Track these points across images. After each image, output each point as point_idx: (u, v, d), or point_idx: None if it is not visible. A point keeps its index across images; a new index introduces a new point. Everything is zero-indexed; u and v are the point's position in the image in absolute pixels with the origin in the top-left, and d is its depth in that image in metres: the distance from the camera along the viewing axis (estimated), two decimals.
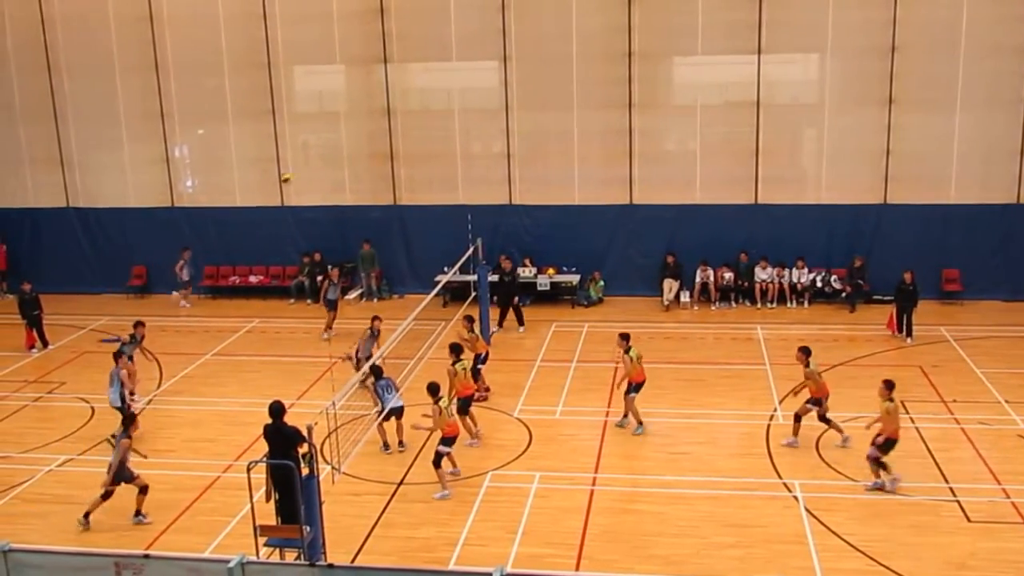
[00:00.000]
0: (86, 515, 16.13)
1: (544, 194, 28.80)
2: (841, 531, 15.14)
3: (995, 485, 16.57)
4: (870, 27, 26.36)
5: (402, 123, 29.12)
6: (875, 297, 26.82)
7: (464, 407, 18.89)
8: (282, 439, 14.28)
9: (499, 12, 27.73)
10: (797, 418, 18.32)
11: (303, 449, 13.94)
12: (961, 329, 24.89)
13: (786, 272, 27.50)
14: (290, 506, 13.64)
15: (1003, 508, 15.81)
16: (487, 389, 21.19)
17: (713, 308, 27.65)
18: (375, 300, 29.20)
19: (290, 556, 13.54)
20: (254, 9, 28.74)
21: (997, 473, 16.97)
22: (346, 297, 29.53)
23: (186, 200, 30.75)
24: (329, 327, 25.90)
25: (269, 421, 14.52)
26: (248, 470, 13.60)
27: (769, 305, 27.49)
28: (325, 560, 13.27)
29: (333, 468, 17.12)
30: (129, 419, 16.86)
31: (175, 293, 29.77)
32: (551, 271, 28.50)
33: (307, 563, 12.31)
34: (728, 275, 27.75)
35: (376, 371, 18.46)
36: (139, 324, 21.98)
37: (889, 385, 16.49)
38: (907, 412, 19.52)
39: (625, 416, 19.50)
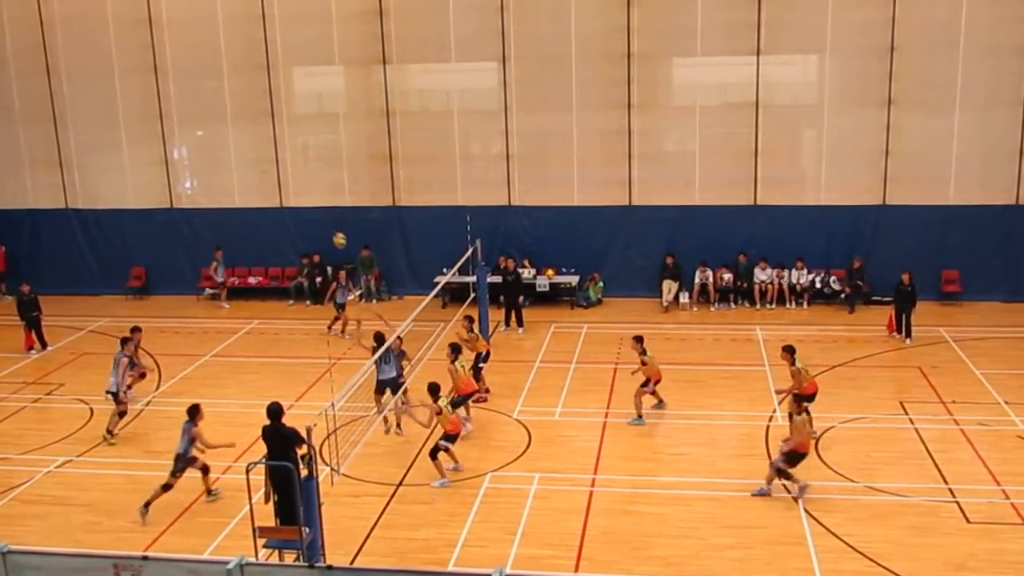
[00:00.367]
0: (146, 504, 16.31)
1: (543, 195, 28.81)
2: (840, 532, 15.13)
3: (994, 486, 16.56)
4: (869, 28, 26.37)
5: (401, 124, 29.12)
6: (874, 298, 26.82)
7: (460, 403, 19.17)
8: (281, 440, 14.28)
9: (498, 13, 27.74)
10: (791, 418, 18.25)
11: (302, 450, 13.93)
12: (960, 330, 24.89)
13: (785, 273, 27.50)
14: (289, 507, 13.63)
15: (1002, 509, 15.80)
16: (487, 390, 21.19)
17: (712, 309, 27.65)
18: (374, 301, 29.19)
19: (289, 557, 13.52)
20: (253, 11, 28.74)
21: (996, 474, 16.96)
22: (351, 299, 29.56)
23: (185, 201, 30.75)
24: (333, 326, 25.94)
25: (268, 423, 14.51)
26: (247, 471, 13.58)
27: (768, 306, 27.49)
28: (324, 561, 13.26)
29: (332, 469, 17.10)
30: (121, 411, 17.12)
31: (208, 293, 29.79)
32: (550, 272, 28.50)
33: (306, 564, 12.30)
34: (727, 276, 27.76)
35: (378, 338, 18.72)
36: (135, 329, 21.77)
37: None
38: (906, 413, 19.57)
39: (661, 403, 20.21)
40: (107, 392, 19.92)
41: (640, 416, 19.56)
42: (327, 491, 16.18)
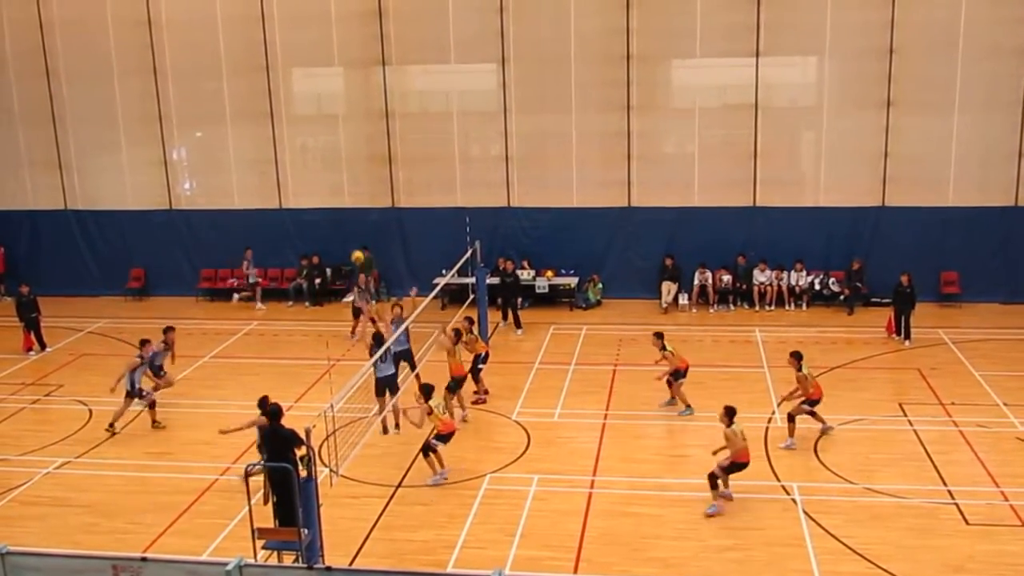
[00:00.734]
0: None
1: (542, 196, 28.81)
2: (839, 534, 15.12)
3: (993, 488, 16.56)
4: (868, 29, 26.38)
5: (400, 125, 29.12)
6: (873, 300, 26.82)
7: (454, 388, 19.82)
8: (280, 442, 14.27)
9: (497, 14, 27.74)
10: (791, 418, 18.37)
11: (301, 451, 13.93)
12: (959, 332, 24.89)
13: (784, 275, 27.50)
14: (288, 509, 13.62)
15: (1001, 511, 15.79)
16: (486, 391, 21.20)
17: (711, 310, 27.65)
18: (373, 302, 29.14)
19: (288, 559, 13.51)
20: (252, 12, 28.75)
21: (995, 476, 16.96)
22: (344, 300, 29.55)
23: (184, 202, 30.75)
24: (353, 332, 25.71)
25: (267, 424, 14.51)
26: (246, 473, 13.59)
27: (767, 308, 27.50)
28: (323, 563, 13.24)
29: (331, 471, 17.12)
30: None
31: (236, 296, 29.61)
32: (549, 273, 28.49)
33: (305, 566, 12.29)
34: (726, 277, 27.76)
35: (376, 339, 18.76)
36: (169, 330, 21.68)
37: (729, 411, 16.27)
38: (905, 415, 19.56)
39: (673, 399, 20.41)
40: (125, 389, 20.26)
41: (688, 406, 19.97)
42: (326, 492, 16.17)
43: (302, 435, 13.89)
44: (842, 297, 27.14)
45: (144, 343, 20.63)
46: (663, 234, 28.15)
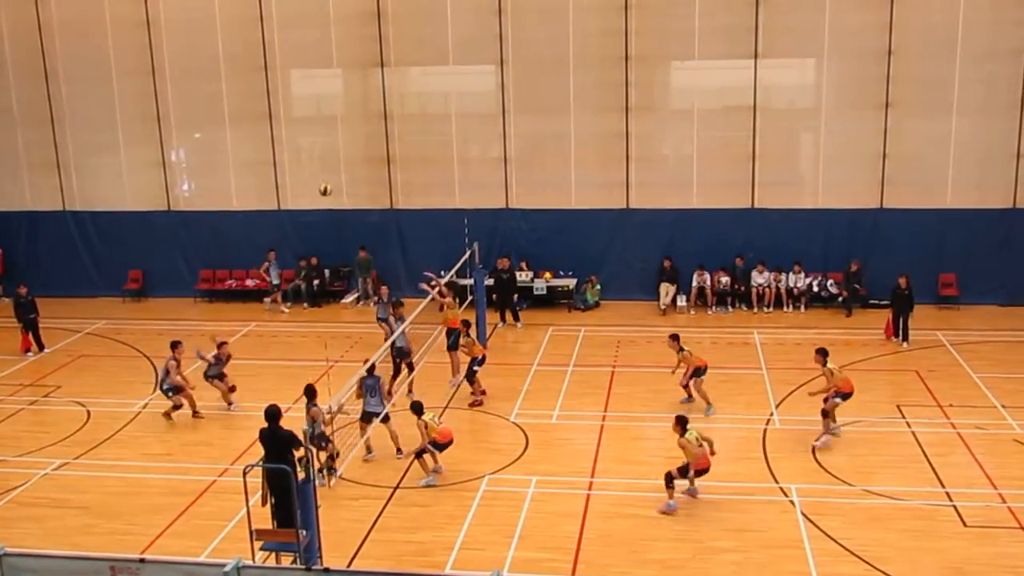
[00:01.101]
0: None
1: (541, 198, 28.81)
2: (837, 536, 15.13)
3: (991, 490, 16.56)
4: (866, 31, 26.40)
5: (399, 127, 29.13)
6: (871, 301, 26.82)
7: (455, 344, 21.31)
8: (278, 443, 14.26)
9: (496, 16, 27.75)
10: (825, 414, 18.49)
11: (299, 453, 13.92)
12: (958, 333, 24.89)
13: (783, 276, 27.51)
14: (286, 510, 13.61)
15: (999, 513, 15.80)
16: (483, 393, 21.19)
17: (710, 312, 27.65)
18: (371, 304, 29.16)
19: (286, 560, 13.51)
20: (251, 13, 28.74)
21: (993, 478, 16.97)
22: (343, 301, 29.56)
23: (183, 204, 30.73)
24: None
25: (265, 425, 14.50)
26: (244, 474, 13.59)
27: (766, 309, 27.50)
28: (321, 564, 13.24)
29: (329, 472, 17.14)
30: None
31: (267, 300, 29.31)
32: (548, 275, 28.50)
33: (303, 567, 12.28)
34: (725, 279, 27.76)
35: (371, 368, 18.56)
36: (223, 344, 21.53)
37: (681, 421, 16.38)
38: (904, 417, 19.57)
39: (690, 398, 20.61)
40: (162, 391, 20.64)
41: (710, 404, 20.12)
42: (324, 494, 16.21)
43: (300, 437, 13.90)
44: (840, 299, 27.14)
45: (175, 345, 20.71)
46: (661, 235, 28.15)
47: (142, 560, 10.78)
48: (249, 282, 30.17)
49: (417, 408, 17.62)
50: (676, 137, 28.61)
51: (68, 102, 30.34)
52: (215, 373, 21.13)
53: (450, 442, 17.49)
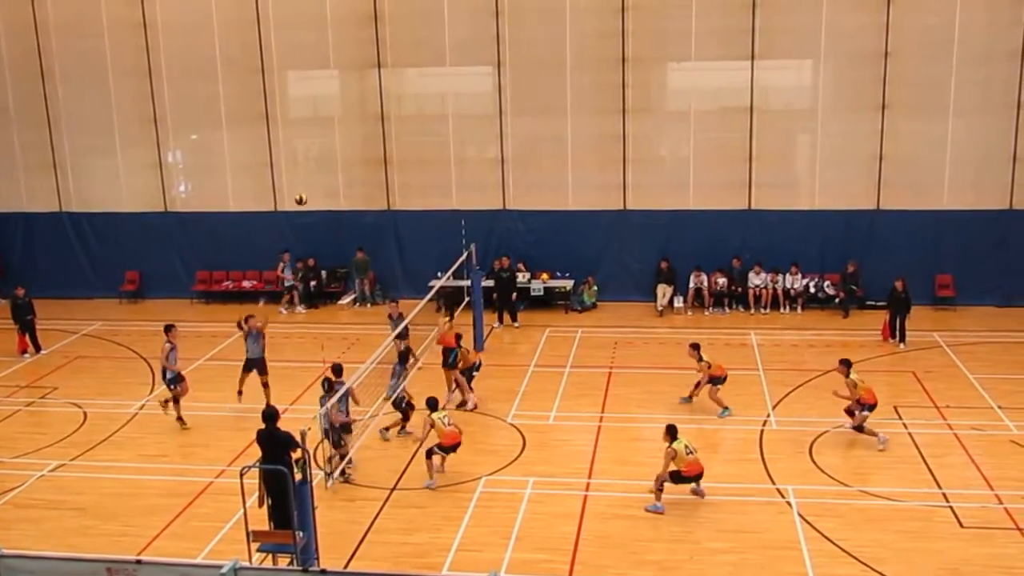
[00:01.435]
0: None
1: (538, 199, 28.80)
2: (834, 537, 15.14)
3: (988, 491, 16.58)
4: (863, 33, 26.42)
5: (396, 128, 29.11)
6: (868, 303, 26.85)
7: (453, 363, 20.81)
8: (275, 444, 14.25)
9: (492, 17, 27.74)
10: (860, 429, 18.30)
11: (296, 454, 13.92)
12: (954, 335, 24.92)
13: (780, 277, 27.53)
14: (283, 511, 13.60)
15: (996, 514, 15.82)
16: (474, 405, 20.95)
17: (707, 313, 27.65)
18: (368, 305, 29.17)
19: (283, 561, 13.51)
20: (248, 14, 28.73)
21: (990, 479, 16.99)
22: (340, 302, 29.55)
23: (179, 205, 30.72)
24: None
25: (262, 426, 14.49)
26: (241, 475, 13.59)
27: (763, 311, 27.51)
28: (318, 565, 13.23)
29: (326, 473, 17.13)
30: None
31: (283, 306, 29.15)
32: (545, 276, 28.50)
33: (300, 568, 12.26)
34: (722, 280, 27.77)
35: (336, 369, 18.38)
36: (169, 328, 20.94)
37: (670, 430, 16.33)
38: (900, 418, 19.57)
39: (692, 400, 20.68)
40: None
41: (726, 408, 20.05)
42: (321, 495, 16.21)
43: (297, 438, 13.89)
44: (837, 300, 27.16)
45: (169, 328, 20.40)
46: (658, 237, 28.15)
47: (139, 561, 10.77)
48: (246, 283, 30.16)
49: (431, 403, 17.75)
50: (673, 138, 28.63)
51: (64, 103, 30.31)
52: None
53: (456, 445, 17.46)
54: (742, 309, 27.73)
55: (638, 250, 28.38)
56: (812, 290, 27.49)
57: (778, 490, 16.72)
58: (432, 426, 17.27)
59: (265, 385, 21.02)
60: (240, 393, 20.90)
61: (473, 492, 17.00)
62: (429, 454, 17.34)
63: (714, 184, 27.88)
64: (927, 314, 26.29)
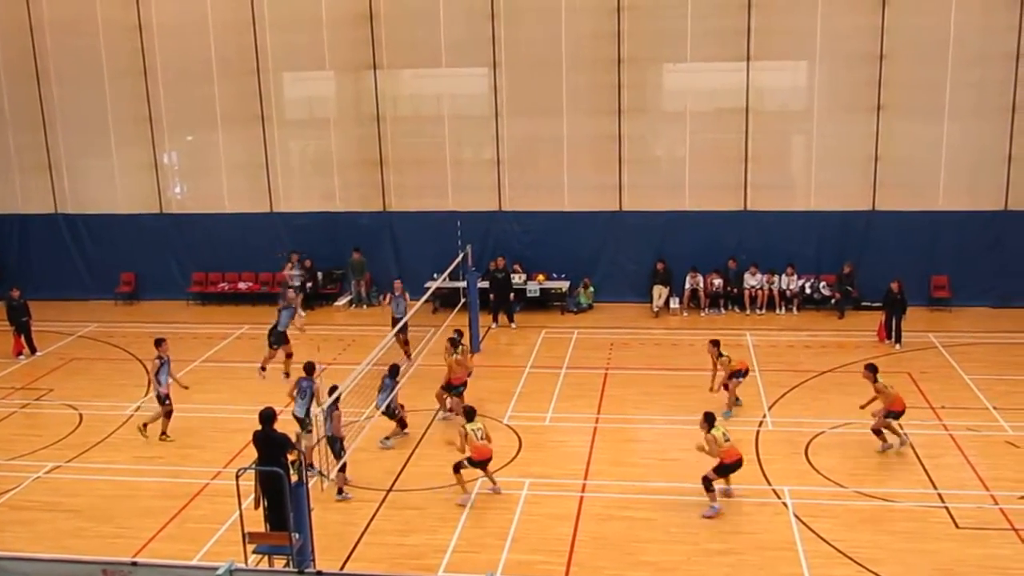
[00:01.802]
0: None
1: (534, 200, 28.81)
2: (830, 537, 15.15)
3: (983, 491, 16.60)
4: (858, 34, 26.45)
5: (392, 129, 29.11)
6: (864, 304, 26.87)
7: (451, 390, 20.17)
8: (271, 446, 14.24)
9: (488, 19, 27.75)
10: (877, 433, 18.00)
11: (292, 456, 13.90)
12: (950, 335, 24.94)
13: (775, 278, 27.55)
14: (279, 513, 13.59)
15: (991, 514, 15.83)
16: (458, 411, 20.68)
17: (702, 314, 27.67)
18: (364, 307, 29.16)
19: (279, 563, 13.50)
20: (243, 16, 28.71)
21: (985, 479, 17.00)
22: (336, 304, 29.54)
23: (175, 206, 30.69)
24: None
25: (259, 428, 14.48)
26: (237, 477, 13.58)
27: (758, 311, 27.53)
28: (314, 567, 13.24)
29: (322, 475, 17.11)
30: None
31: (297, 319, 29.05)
32: (541, 277, 28.50)
33: (296, 570, 12.25)
34: (717, 281, 27.78)
35: (308, 368, 18.31)
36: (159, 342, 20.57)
37: (708, 417, 16.32)
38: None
39: (735, 400, 20.49)
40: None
41: (730, 409, 20.13)
42: (317, 496, 16.20)
43: (293, 439, 13.88)
44: (833, 301, 27.18)
45: (159, 343, 20.12)
46: (654, 238, 28.17)
47: (134, 563, 10.75)
48: (242, 285, 30.14)
49: (468, 413, 17.27)
50: (669, 139, 28.65)
51: (60, 104, 30.29)
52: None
53: (486, 460, 16.74)
54: (738, 310, 27.74)
55: (634, 251, 28.39)
56: (808, 291, 27.51)
57: (774, 491, 16.73)
58: (465, 437, 16.75)
59: (289, 355, 22.15)
60: (263, 369, 22.01)
61: (469, 494, 16.97)
62: (457, 468, 16.74)
63: (710, 185, 27.90)
64: (922, 315, 26.32)
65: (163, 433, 19.83)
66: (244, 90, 29.25)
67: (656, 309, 27.65)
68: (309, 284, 29.24)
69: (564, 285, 28.46)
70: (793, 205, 27.83)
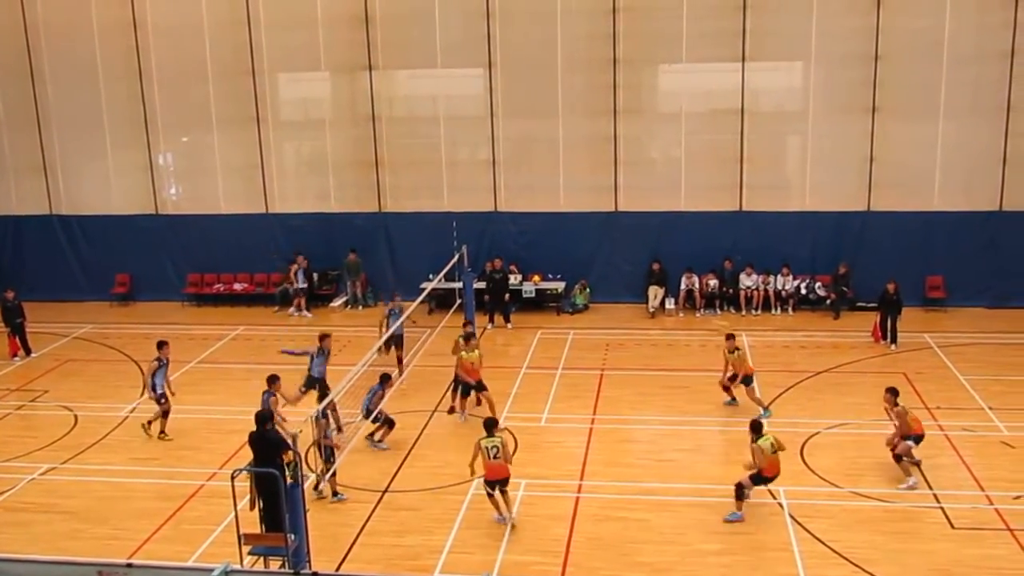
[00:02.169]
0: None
1: (529, 201, 28.81)
2: (825, 538, 15.16)
3: (979, 492, 16.62)
4: (853, 35, 26.47)
5: (387, 130, 29.10)
6: (859, 304, 26.89)
7: (466, 391, 20.13)
8: (267, 447, 14.23)
9: (484, 19, 27.75)
10: (898, 459, 17.10)
11: (288, 457, 13.90)
12: (945, 336, 24.97)
13: (771, 279, 27.57)
14: (275, 514, 13.58)
15: (987, 515, 15.85)
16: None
17: (698, 315, 27.68)
18: (360, 308, 29.13)
19: (275, 564, 13.49)
20: (238, 16, 28.69)
21: (980, 480, 17.03)
22: (331, 305, 29.53)
23: (170, 207, 30.65)
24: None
25: (254, 429, 14.47)
26: (232, 478, 13.57)
27: (754, 312, 27.55)
28: (310, 568, 13.23)
29: (318, 476, 17.10)
30: None
31: (295, 314, 28.78)
32: (536, 278, 28.49)
33: (292, 571, 12.28)
34: (713, 282, 27.80)
35: (269, 379, 18.02)
36: (325, 336, 20.31)
37: (755, 426, 16.08)
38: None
39: (734, 399, 20.69)
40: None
41: (733, 399, 20.49)
42: (312, 498, 16.17)
43: (289, 441, 13.87)
44: (828, 301, 27.20)
45: (161, 345, 20.11)
46: (650, 238, 28.17)
47: (129, 565, 10.73)
48: (237, 286, 30.12)
49: (486, 424, 16.25)
50: (664, 140, 28.66)
51: (55, 105, 30.24)
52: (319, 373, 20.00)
53: (497, 480, 15.79)
54: (733, 311, 27.75)
55: (630, 252, 28.39)
56: (803, 291, 27.53)
57: (770, 491, 16.71)
58: (476, 450, 15.91)
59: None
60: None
61: (465, 494, 16.97)
62: (489, 493, 15.93)
63: (705, 186, 27.92)
64: (918, 315, 26.35)
65: (162, 432, 19.87)
66: (239, 91, 29.22)
67: (652, 310, 27.65)
68: (305, 285, 29.19)
69: (560, 286, 28.45)
70: (788, 206, 27.85)
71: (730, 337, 20.64)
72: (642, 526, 15.81)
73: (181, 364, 24.24)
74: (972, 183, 26.87)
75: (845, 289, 26.98)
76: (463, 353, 20.19)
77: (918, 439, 17.11)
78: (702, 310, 27.77)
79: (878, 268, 25.95)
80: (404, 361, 22.65)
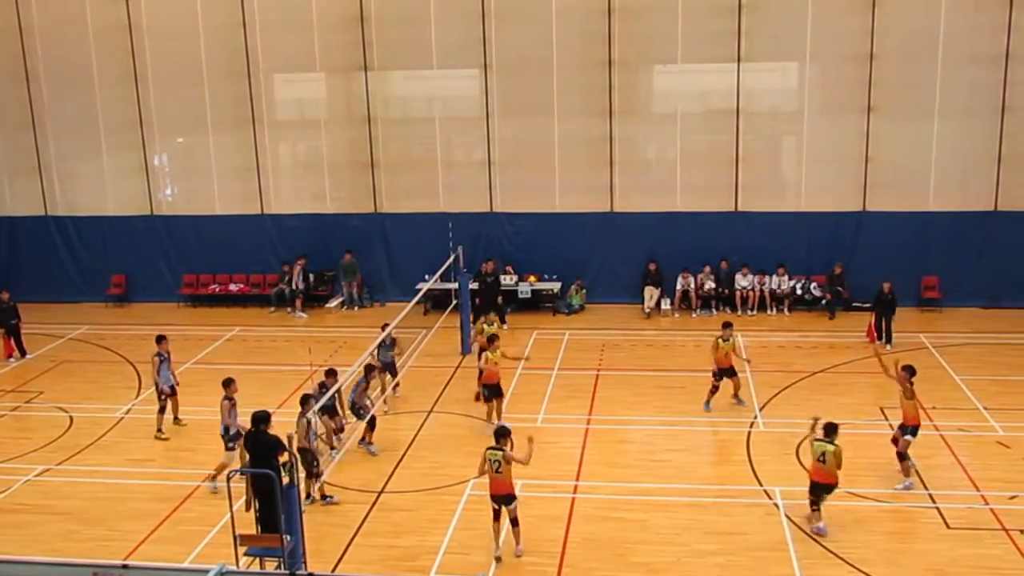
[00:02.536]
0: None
1: (525, 202, 28.80)
2: (821, 538, 15.17)
3: (974, 492, 16.64)
4: (849, 35, 26.49)
5: (383, 131, 29.08)
6: (854, 304, 26.92)
7: (491, 394, 19.82)
8: (263, 448, 14.22)
9: (479, 20, 27.74)
10: (903, 457, 16.99)
11: (284, 458, 13.88)
12: (940, 336, 25.00)
13: (767, 279, 27.60)
14: (270, 515, 13.57)
15: (982, 515, 15.87)
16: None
17: (694, 315, 27.69)
18: (356, 309, 29.12)
19: (270, 565, 13.47)
20: (234, 18, 28.66)
21: (976, 480, 17.05)
22: (327, 306, 29.50)
23: (165, 208, 30.62)
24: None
25: (250, 429, 14.46)
26: (228, 479, 13.55)
27: (750, 312, 27.56)
28: (305, 569, 13.21)
29: (314, 477, 17.07)
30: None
31: (296, 315, 28.80)
32: (533, 279, 28.50)
33: (287, 572, 12.24)
34: (709, 283, 27.81)
35: (224, 383, 17.95)
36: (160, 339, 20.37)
37: (829, 428, 15.59)
38: (887, 419, 19.59)
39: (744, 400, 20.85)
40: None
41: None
42: (305, 506, 16.14)
43: (285, 441, 13.85)
44: (824, 302, 27.23)
45: (160, 339, 20.18)
46: (646, 239, 28.18)
47: (125, 566, 10.72)
48: (233, 287, 30.10)
49: (496, 433, 15.24)
50: (660, 141, 28.68)
51: (50, 106, 30.20)
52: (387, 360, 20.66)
53: (501, 496, 14.91)
54: (729, 311, 27.74)
55: (625, 252, 28.39)
56: (799, 292, 27.55)
57: (765, 491, 16.75)
58: (480, 461, 15.07)
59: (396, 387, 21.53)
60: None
61: (461, 495, 16.97)
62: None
63: (701, 186, 27.93)
64: (913, 315, 26.39)
65: (159, 430, 19.92)
66: (235, 92, 29.19)
67: (647, 310, 27.66)
68: (301, 286, 29.17)
69: (556, 286, 28.46)
70: (784, 206, 27.87)
71: (727, 325, 20.69)
72: (638, 526, 15.81)
73: (177, 365, 24.03)
74: (968, 183, 26.90)
75: (841, 289, 27.01)
76: (488, 354, 19.75)
77: (915, 430, 17.07)
78: (698, 311, 27.78)
79: (873, 268, 25.98)
80: (398, 376, 22.28)
